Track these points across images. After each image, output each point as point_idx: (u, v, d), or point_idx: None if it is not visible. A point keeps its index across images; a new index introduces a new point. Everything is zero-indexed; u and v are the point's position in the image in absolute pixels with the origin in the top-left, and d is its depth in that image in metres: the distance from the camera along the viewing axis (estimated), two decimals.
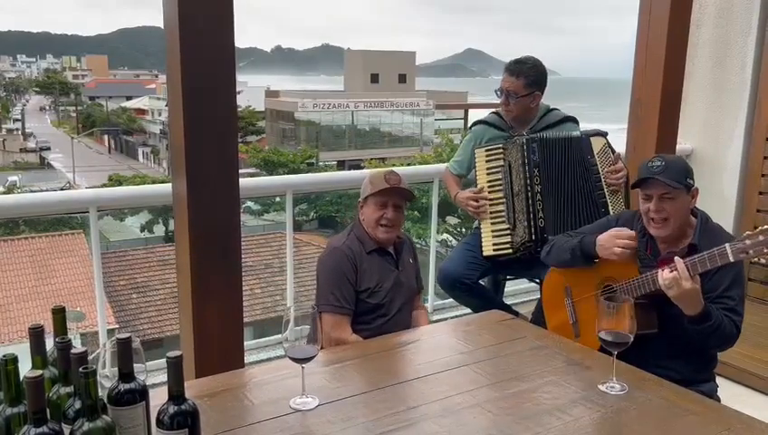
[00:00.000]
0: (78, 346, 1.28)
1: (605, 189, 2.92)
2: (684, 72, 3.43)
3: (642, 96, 3.39)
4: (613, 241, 2.23)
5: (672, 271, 2.03)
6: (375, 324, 2.52)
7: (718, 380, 2.38)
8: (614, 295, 2.11)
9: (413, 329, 2.54)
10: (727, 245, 1.97)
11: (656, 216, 2.19)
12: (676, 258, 2.05)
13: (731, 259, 1.97)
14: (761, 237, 1.93)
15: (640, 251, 2.28)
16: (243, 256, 2.39)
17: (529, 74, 3.03)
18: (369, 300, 2.52)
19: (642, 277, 2.21)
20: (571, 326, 2.48)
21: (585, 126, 3.23)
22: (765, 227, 1.93)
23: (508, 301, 3.53)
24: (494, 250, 3.05)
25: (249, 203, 16.21)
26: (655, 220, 2.21)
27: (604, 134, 3.02)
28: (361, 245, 2.54)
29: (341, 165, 33.01)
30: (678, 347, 2.24)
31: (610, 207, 2.90)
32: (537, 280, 3.07)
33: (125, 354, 1.29)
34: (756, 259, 1.98)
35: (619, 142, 3.52)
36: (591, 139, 2.96)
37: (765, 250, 1.92)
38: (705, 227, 2.24)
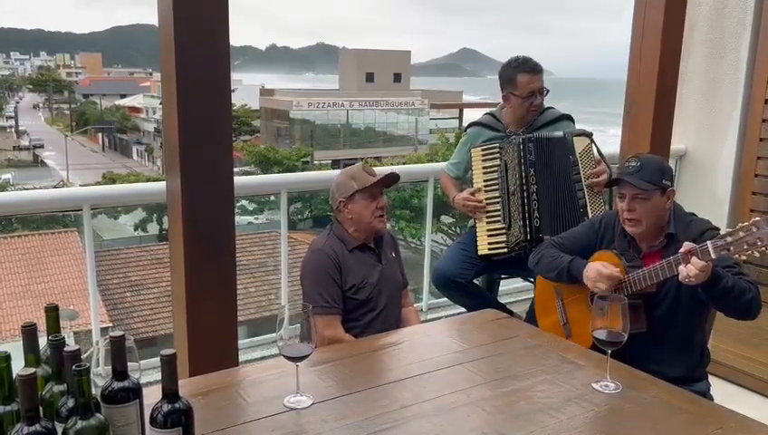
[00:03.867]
0: (71, 344, 1.27)
1: (585, 190, 2.93)
2: (678, 73, 3.44)
3: (636, 96, 3.40)
4: (598, 278, 2.25)
5: (689, 268, 2.00)
6: (364, 320, 2.53)
7: (711, 379, 2.39)
8: (606, 295, 2.13)
9: (407, 328, 2.55)
10: (709, 243, 1.98)
11: (627, 215, 2.24)
12: (693, 259, 1.99)
13: (712, 256, 1.97)
14: (741, 234, 1.94)
15: (624, 249, 2.33)
16: (237, 254, 2.39)
17: (542, 69, 3.06)
18: (355, 296, 2.52)
19: (628, 277, 2.23)
20: (561, 327, 2.49)
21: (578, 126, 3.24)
22: (745, 223, 1.94)
23: (502, 300, 3.53)
24: (489, 249, 3.05)
25: (244, 202, 16.18)
26: (628, 219, 2.25)
27: (589, 135, 3.01)
28: (343, 243, 2.55)
29: (336, 164, 32.98)
30: (670, 345, 2.26)
31: (589, 209, 2.91)
32: (531, 279, 3.08)
33: (119, 353, 1.29)
34: (738, 256, 1.98)
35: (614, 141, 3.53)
36: (575, 139, 2.96)
37: (746, 247, 1.93)
38: (678, 215, 2.29)
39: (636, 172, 2.20)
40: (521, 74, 3.02)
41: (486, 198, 3.08)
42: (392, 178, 2.63)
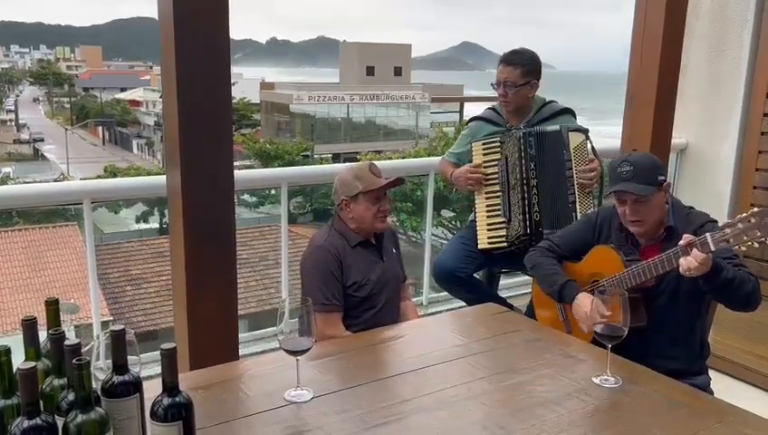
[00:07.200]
0: (72, 338, 1.27)
1: (575, 186, 2.92)
2: (679, 66, 3.42)
3: (637, 90, 3.39)
4: (586, 320, 2.21)
5: (690, 260, 1.99)
6: (364, 317, 2.52)
7: (711, 373, 2.39)
8: (606, 289, 2.13)
9: (407, 322, 2.55)
10: (708, 235, 1.98)
11: (631, 218, 2.23)
12: (694, 252, 1.98)
13: (712, 249, 1.96)
14: (740, 226, 1.94)
15: (621, 244, 2.33)
16: (237, 248, 2.39)
17: (525, 63, 3.02)
18: (356, 294, 2.50)
19: (627, 271, 2.23)
20: (561, 323, 2.49)
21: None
22: (744, 215, 1.94)
23: (503, 294, 3.53)
24: (489, 243, 3.05)
25: (244, 195, 16.19)
26: (632, 221, 2.24)
27: (584, 131, 3.01)
28: (344, 239, 2.52)
29: (337, 158, 32.93)
30: (670, 337, 2.26)
31: (578, 205, 2.91)
32: (531, 274, 3.07)
33: (119, 346, 1.29)
34: (737, 247, 1.97)
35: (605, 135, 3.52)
36: (570, 134, 2.96)
37: (745, 238, 1.92)
38: (676, 208, 2.29)
39: (631, 178, 2.17)
40: (499, 63, 3.08)
41: (486, 192, 3.08)
42: (397, 182, 2.63)
